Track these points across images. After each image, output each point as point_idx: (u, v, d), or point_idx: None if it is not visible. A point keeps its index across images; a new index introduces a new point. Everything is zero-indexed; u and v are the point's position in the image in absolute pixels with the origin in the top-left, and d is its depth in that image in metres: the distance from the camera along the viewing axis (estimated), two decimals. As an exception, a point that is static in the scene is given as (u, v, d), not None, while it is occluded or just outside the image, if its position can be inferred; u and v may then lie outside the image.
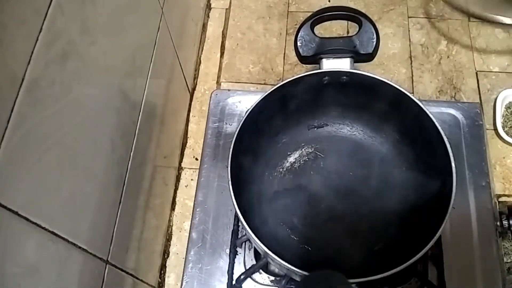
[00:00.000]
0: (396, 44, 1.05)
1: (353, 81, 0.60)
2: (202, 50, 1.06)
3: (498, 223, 0.64)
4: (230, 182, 0.53)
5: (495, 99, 0.91)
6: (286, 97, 0.60)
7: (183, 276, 0.63)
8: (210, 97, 0.75)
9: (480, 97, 0.95)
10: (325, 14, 0.60)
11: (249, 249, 0.64)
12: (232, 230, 0.65)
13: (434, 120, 0.54)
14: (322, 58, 0.61)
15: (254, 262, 0.62)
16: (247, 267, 0.62)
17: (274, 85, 0.58)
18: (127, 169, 0.62)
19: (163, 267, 0.84)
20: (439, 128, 0.54)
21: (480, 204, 0.65)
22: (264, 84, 0.99)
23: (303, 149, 0.68)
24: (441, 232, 0.48)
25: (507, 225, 0.64)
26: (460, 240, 0.63)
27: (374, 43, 0.60)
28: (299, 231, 0.62)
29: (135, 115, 0.65)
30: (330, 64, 0.60)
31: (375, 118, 0.65)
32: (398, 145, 0.65)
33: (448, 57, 1.03)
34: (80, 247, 0.49)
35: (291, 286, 0.60)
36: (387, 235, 0.60)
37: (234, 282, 0.61)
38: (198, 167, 0.71)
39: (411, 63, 1.03)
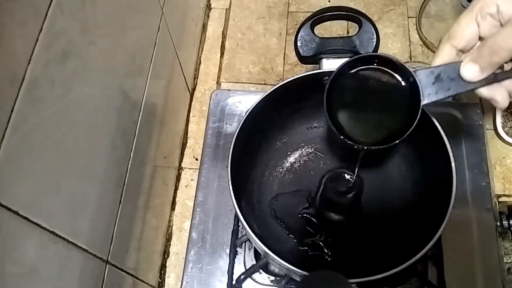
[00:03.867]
0: (396, 44, 1.05)
1: (353, 81, 0.60)
2: (202, 50, 1.06)
3: (498, 223, 0.64)
4: (230, 182, 0.53)
5: (495, 99, 0.91)
6: (286, 97, 0.60)
7: (183, 276, 0.64)
8: (210, 97, 0.75)
9: (480, 97, 0.95)
10: (325, 14, 0.60)
11: (249, 249, 0.64)
12: (232, 230, 0.65)
13: (434, 120, 0.54)
14: (322, 58, 0.61)
15: (254, 262, 0.63)
16: (247, 267, 0.62)
17: (274, 85, 0.58)
18: (127, 169, 0.62)
19: (163, 267, 0.84)
20: (439, 128, 0.54)
21: (480, 204, 0.65)
22: (264, 84, 0.99)
23: (303, 149, 0.68)
24: (441, 232, 0.49)
25: (507, 225, 0.64)
26: (460, 240, 0.63)
27: (374, 43, 0.60)
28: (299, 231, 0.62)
29: (135, 115, 0.65)
30: (330, 64, 0.61)
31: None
32: (398, 145, 0.65)
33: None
34: (80, 247, 0.49)
35: (291, 286, 0.60)
36: (387, 235, 0.60)
37: (234, 282, 0.61)
38: (198, 167, 0.71)
39: (411, 63, 1.02)
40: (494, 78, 0.42)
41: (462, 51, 0.43)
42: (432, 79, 0.43)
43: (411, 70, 0.44)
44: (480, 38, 0.42)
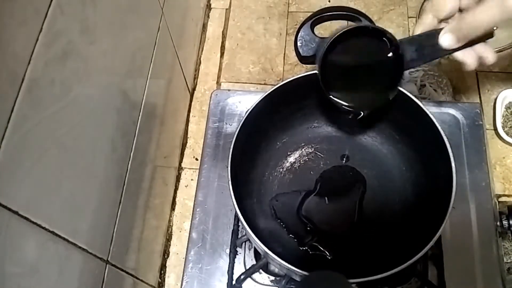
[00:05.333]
0: (396, 44, 1.05)
1: (353, 81, 0.60)
2: (202, 50, 1.06)
3: (498, 223, 0.64)
4: (230, 182, 0.53)
5: (495, 99, 0.91)
6: (286, 97, 0.60)
7: (183, 276, 0.63)
8: (210, 97, 0.75)
9: (480, 97, 0.95)
10: (325, 14, 0.60)
11: (249, 249, 0.64)
12: (232, 230, 0.65)
13: (434, 120, 0.54)
14: (322, 58, 0.61)
15: (254, 262, 0.63)
16: (247, 267, 0.62)
17: (274, 85, 0.58)
18: (127, 169, 0.62)
19: (163, 267, 0.84)
20: (439, 128, 0.54)
21: (480, 204, 0.65)
22: (264, 84, 0.99)
23: (303, 149, 0.68)
24: (441, 232, 0.49)
25: (507, 225, 0.64)
26: (460, 240, 0.63)
27: (374, 43, 0.60)
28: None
29: (135, 115, 0.65)
30: (330, 64, 0.60)
31: (375, 118, 0.65)
32: (398, 145, 0.65)
33: (448, 57, 1.03)
34: (80, 247, 0.49)
35: (291, 286, 0.60)
36: (387, 235, 0.60)
37: (234, 282, 0.61)
38: (198, 167, 0.71)
39: (411, 63, 1.02)
40: (468, 44, 0.46)
41: (442, 20, 0.48)
42: (414, 47, 0.47)
43: (397, 39, 0.47)
44: (460, 10, 0.46)
